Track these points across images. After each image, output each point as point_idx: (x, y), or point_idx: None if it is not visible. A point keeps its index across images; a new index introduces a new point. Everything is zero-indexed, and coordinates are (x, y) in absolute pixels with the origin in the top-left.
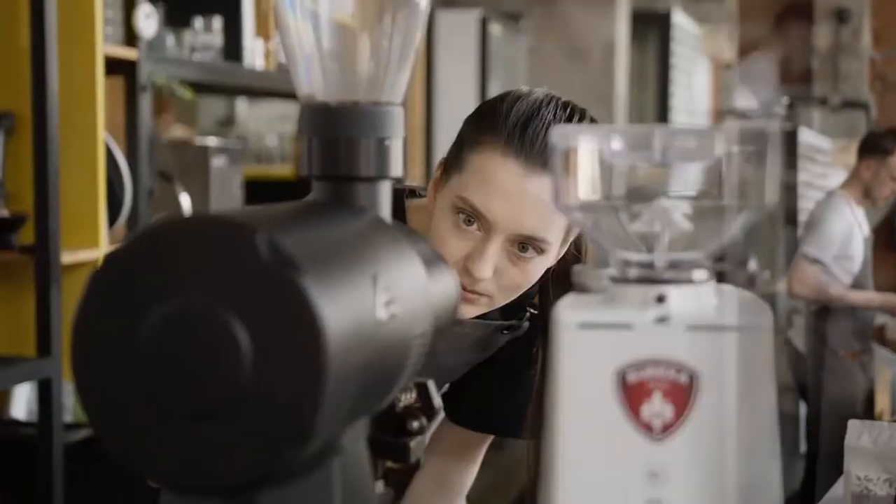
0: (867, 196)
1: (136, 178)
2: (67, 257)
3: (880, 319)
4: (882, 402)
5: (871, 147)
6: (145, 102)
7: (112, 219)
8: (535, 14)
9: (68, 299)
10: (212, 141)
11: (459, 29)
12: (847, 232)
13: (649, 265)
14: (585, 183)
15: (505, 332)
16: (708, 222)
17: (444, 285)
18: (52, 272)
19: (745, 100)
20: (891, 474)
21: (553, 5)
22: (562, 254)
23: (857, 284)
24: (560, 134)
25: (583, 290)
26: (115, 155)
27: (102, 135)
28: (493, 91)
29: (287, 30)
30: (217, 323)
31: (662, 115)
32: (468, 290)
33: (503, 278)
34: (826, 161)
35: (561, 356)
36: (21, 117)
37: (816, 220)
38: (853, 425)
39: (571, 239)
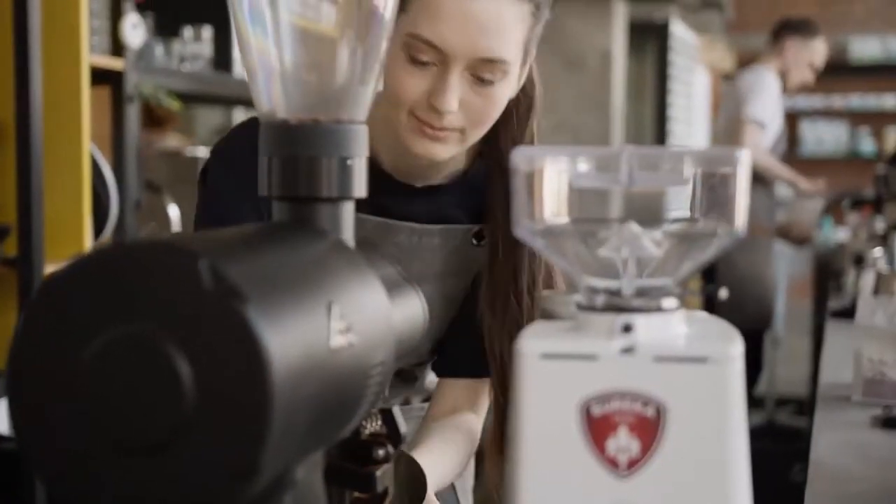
0: (781, 77)
1: (123, 189)
2: (51, 270)
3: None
4: None
5: (796, 28)
6: (132, 113)
7: (98, 230)
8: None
9: None
10: (202, 151)
11: None
12: (776, 98)
13: (617, 292)
14: (550, 206)
15: (476, 241)
16: (677, 248)
17: (409, 309)
18: (35, 285)
19: None
20: None
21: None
22: (522, 78)
23: (773, 152)
24: (523, 156)
25: (550, 316)
26: (101, 166)
27: (88, 145)
28: None
29: (246, 44)
30: (158, 353)
31: (660, 125)
32: (437, 128)
33: (469, 109)
34: (692, 55)
35: (523, 387)
36: (5, 127)
37: (753, 87)
38: (865, 301)
39: (529, 61)
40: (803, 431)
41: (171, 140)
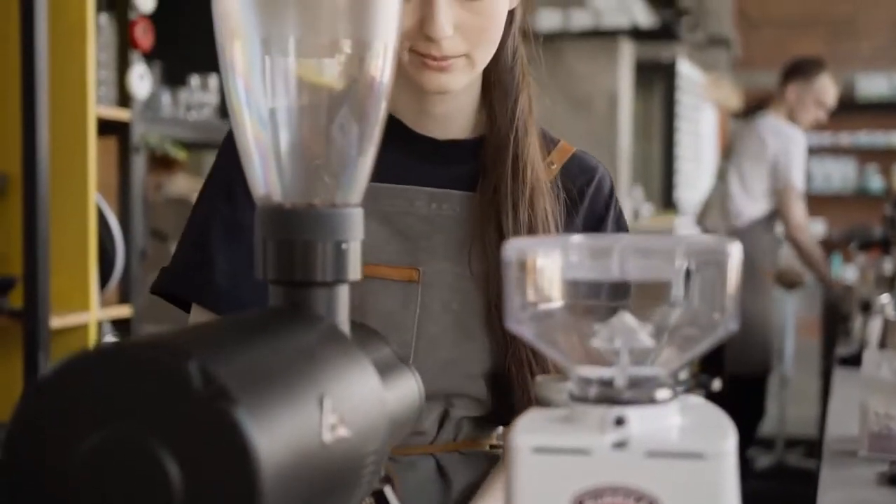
0: (791, 120)
1: (129, 238)
2: (57, 322)
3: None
4: None
5: (796, 71)
6: (138, 163)
7: (104, 281)
8: (538, 65)
9: None
10: None
11: None
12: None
13: (609, 382)
14: (541, 297)
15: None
16: (671, 338)
17: (403, 391)
18: (40, 337)
19: None
20: None
21: (557, 56)
22: None
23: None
24: (514, 248)
25: (544, 402)
26: (107, 216)
27: (94, 196)
28: None
29: (242, 127)
30: (148, 455)
31: (668, 163)
32: (439, 58)
33: (467, 30)
34: (699, 93)
35: (515, 481)
36: (12, 179)
37: (792, 150)
38: (870, 355)
39: None
40: (813, 473)
41: (180, 180)
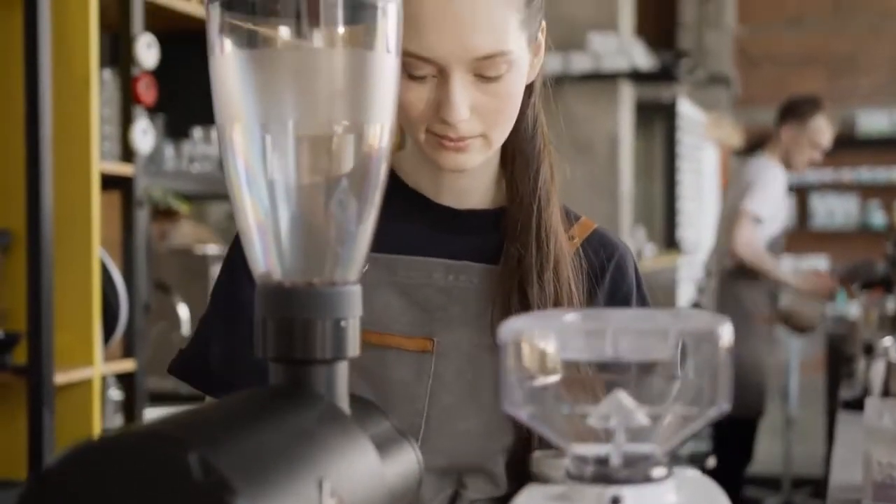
0: (787, 162)
1: (133, 292)
2: (61, 377)
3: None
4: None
5: (790, 112)
6: (142, 217)
7: (107, 335)
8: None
9: (62, 421)
10: (212, 249)
11: None
12: (780, 195)
13: (605, 461)
14: (537, 376)
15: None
16: (665, 417)
17: (403, 465)
18: (44, 394)
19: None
20: None
21: (557, 100)
22: (540, 58)
23: (771, 248)
24: (510, 329)
25: (541, 478)
26: (111, 271)
27: (98, 251)
28: None
29: (242, 206)
30: None
31: (670, 203)
32: (455, 140)
33: (483, 111)
34: (700, 132)
35: None
36: (16, 234)
37: (755, 180)
38: (872, 403)
39: (542, 38)
40: None
41: (184, 228)
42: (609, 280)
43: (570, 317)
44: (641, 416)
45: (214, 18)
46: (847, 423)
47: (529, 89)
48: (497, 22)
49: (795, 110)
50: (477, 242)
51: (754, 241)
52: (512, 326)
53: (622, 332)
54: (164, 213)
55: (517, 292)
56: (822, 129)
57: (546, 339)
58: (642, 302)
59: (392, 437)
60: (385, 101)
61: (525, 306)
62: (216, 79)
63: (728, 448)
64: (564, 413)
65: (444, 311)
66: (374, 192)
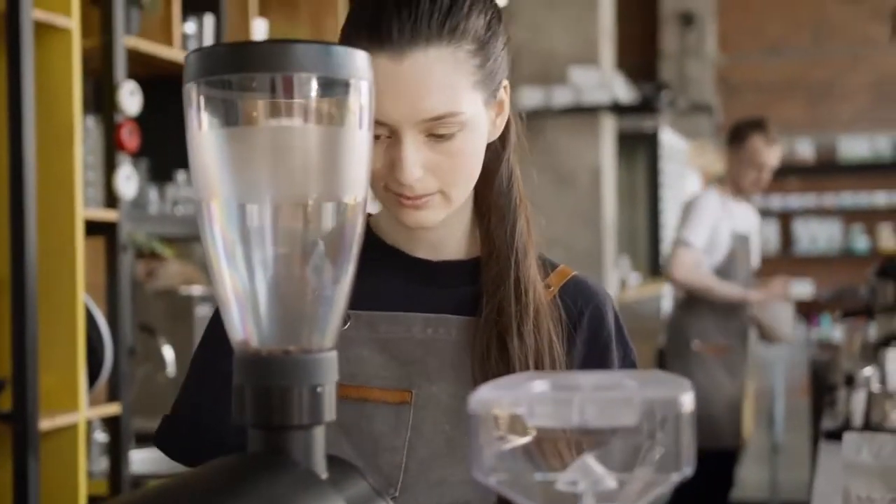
0: (737, 187)
1: (117, 336)
2: (46, 423)
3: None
4: (749, 418)
5: (732, 137)
6: (126, 262)
7: (92, 379)
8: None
9: (47, 466)
10: (197, 290)
11: None
12: (714, 223)
13: None
14: (506, 444)
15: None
16: (632, 482)
17: None
18: (29, 440)
19: None
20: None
21: (539, 132)
22: (503, 115)
23: (727, 275)
24: (479, 399)
25: None
26: (96, 316)
27: (82, 297)
28: None
29: (220, 277)
30: None
31: (653, 231)
32: (412, 198)
33: (438, 170)
34: (682, 160)
35: None
36: (1, 281)
37: (690, 209)
38: (850, 438)
39: (501, 96)
40: None
41: (171, 267)
42: (587, 328)
43: (539, 385)
44: (609, 481)
45: (192, 97)
46: (828, 453)
47: (504, 144)
48: (447, 85)
49: (736, 134)
50: (454, 294)
51: (688, 264)
52: (481, 396)
53: (589, 401)
54: (151, 253)
55: (496, 344)
56: (760, 149)
57: (515, 408)
58: (623, 348)
59: (369, 497)
60: (359, 175)
61: (505, 359)
62: (194, 155)
63: (709, 478)
64: (533, 479)
65: (423, 364)
66: (348, 259)
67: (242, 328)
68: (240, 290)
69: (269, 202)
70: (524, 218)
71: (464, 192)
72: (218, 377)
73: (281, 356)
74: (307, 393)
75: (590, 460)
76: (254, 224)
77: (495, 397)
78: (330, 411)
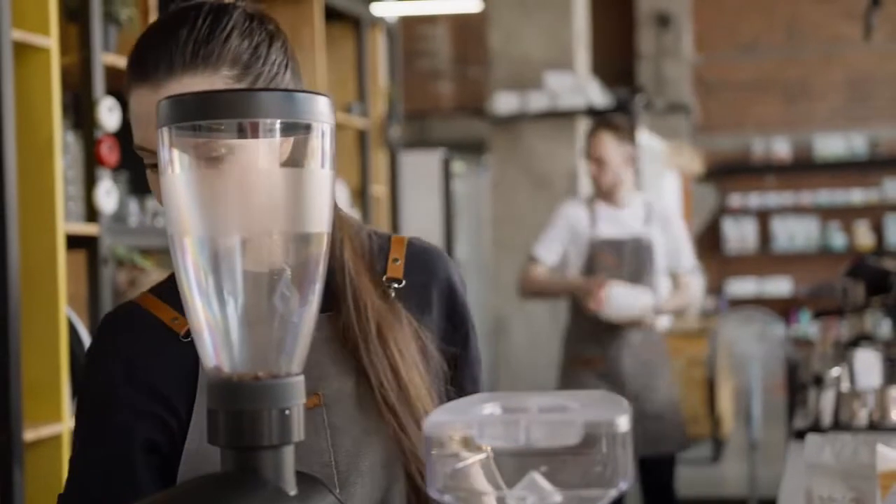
0: (596, 188)
1: None
2: (30, 434)
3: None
4: (728, 414)
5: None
6: (107, 274)
7: (75, 390)
8: (498, 147)
9: (31, 478)
10: None
11: (424, 168)
12: (567, 235)
13: None
14: (459, 464)
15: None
16: (575, 496)
17: None
18: (14, 452)
19: None
20: (857, 492)
21: (516, 137)
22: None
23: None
24: (433, 423)
25: None
26: (78, 328)
27: (64, 310)
28: (459, 225)
29: (193, 307)
30: None
31: None
32: None
33: None
34: (661, 161)
35: None
36: None
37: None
38: (812, 439)
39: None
40: None
41: (154, 276)
42: (440, 299)
43: (489, 408)
44: (555, 496)
45: (165, 140)
46: (798, 452)
47: None
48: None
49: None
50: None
51: (530, 276)
52: (434, 420)
53: (535, 422)
54: (132, 263)
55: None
56: (594, 143)
57: (466, 431)
58: (462, 315)
59: None
60: (322, 209)
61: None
62: (167, 195)
63: (651, 485)
64: (484, 495)
65: (319, 365)
66: (313, 288)
67: (214, 355)
68: (211, 319)
69: (238, 237)
70: (345, 239)
71: None
72: (111, 432)
73: (251, 382)
74: (276, 415)
75: (537, 477)
76: (224, 258)
77: (448, 420)
78: (298, 431)
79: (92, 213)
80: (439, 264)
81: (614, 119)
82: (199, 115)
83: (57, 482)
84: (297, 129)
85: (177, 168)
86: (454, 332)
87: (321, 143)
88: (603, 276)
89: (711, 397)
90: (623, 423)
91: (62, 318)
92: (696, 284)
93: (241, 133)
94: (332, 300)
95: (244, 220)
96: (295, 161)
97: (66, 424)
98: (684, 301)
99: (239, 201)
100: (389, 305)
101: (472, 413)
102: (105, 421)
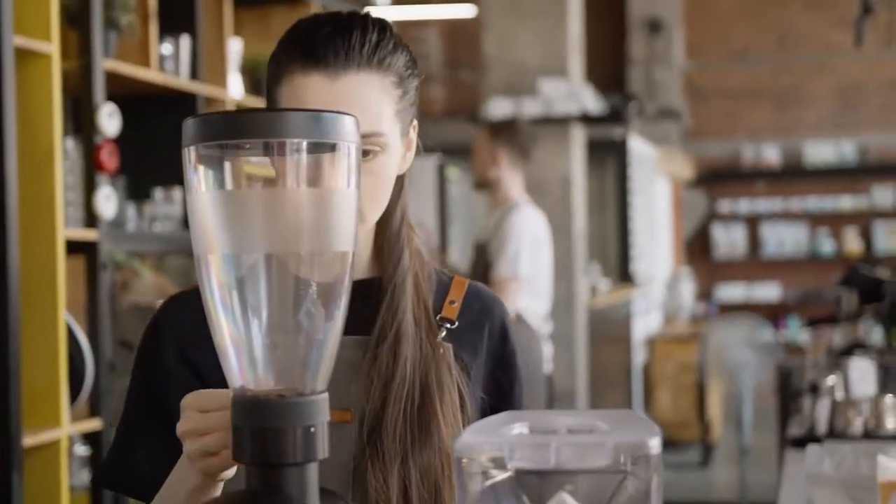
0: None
1: (98, 352)
2: (29, 439)
3: None
4: (717, 419)
5: None
6: (105, 279)
7: (74, 395)
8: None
9: (30, 482)
10: None
11: (418, 174)
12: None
13: None
14: (488, 482)
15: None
16: None
17: None
18: (13, 457)
19: None
20: (858, 503)
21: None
22: (411, 153)
23: None
24: (463, 444)
25: None
26: (77, 333)
27: (63, 316)
28: (453, 232)
29: (219, 328)
30: None
31: (623, 237)
32: None
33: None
34: (652, 167)
35: None
36: None
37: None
38: (813, 451)
39: (413, 135)
40: None
41: (147, 279)
42: (490, 338)
43: (517, 428)
44: None
45: (191, 159)
46: (795, 460)
47: (401, 183)
48: (374, 107)
49: None
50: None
51: (509, 295)
52: (465, 441)
53: (564, 444)
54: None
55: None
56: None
57: (497, 452)
58: (510, 364)
59: None
60: (347, 228)
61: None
62: (193, 215)
63: None
64: None
65: (347, 384)
66: (338, 305)
67: (240, 374)
68: (237, 338)
69: (262, 257)
70: (408, 253)
71: (377, 212)
72: (155, 406)
73: (276, 400)
74: (301, 433)
75: (566, 496)
76: (249, 277)
77: (478, 442)
78: (323, 449)
79: (91, 219)
80: (495, 309)
81: (509, 123)
82: (226, 134)
83: (56, 486)
84: (324, 149)
85: (202, 187)
86: (502, 377)
87: (347, 162)
88: None
89: (701, 402)
90: (655, 444)
91: (62, 323)
92: None
93: (268, 152)
94: (366, 323)
95: (269, 238)
96: (320, 180)
97: (64, 429)
98: None
99: (264, 220)
100: (434, 346)
101: (501, 434)
102: (156, 397)
